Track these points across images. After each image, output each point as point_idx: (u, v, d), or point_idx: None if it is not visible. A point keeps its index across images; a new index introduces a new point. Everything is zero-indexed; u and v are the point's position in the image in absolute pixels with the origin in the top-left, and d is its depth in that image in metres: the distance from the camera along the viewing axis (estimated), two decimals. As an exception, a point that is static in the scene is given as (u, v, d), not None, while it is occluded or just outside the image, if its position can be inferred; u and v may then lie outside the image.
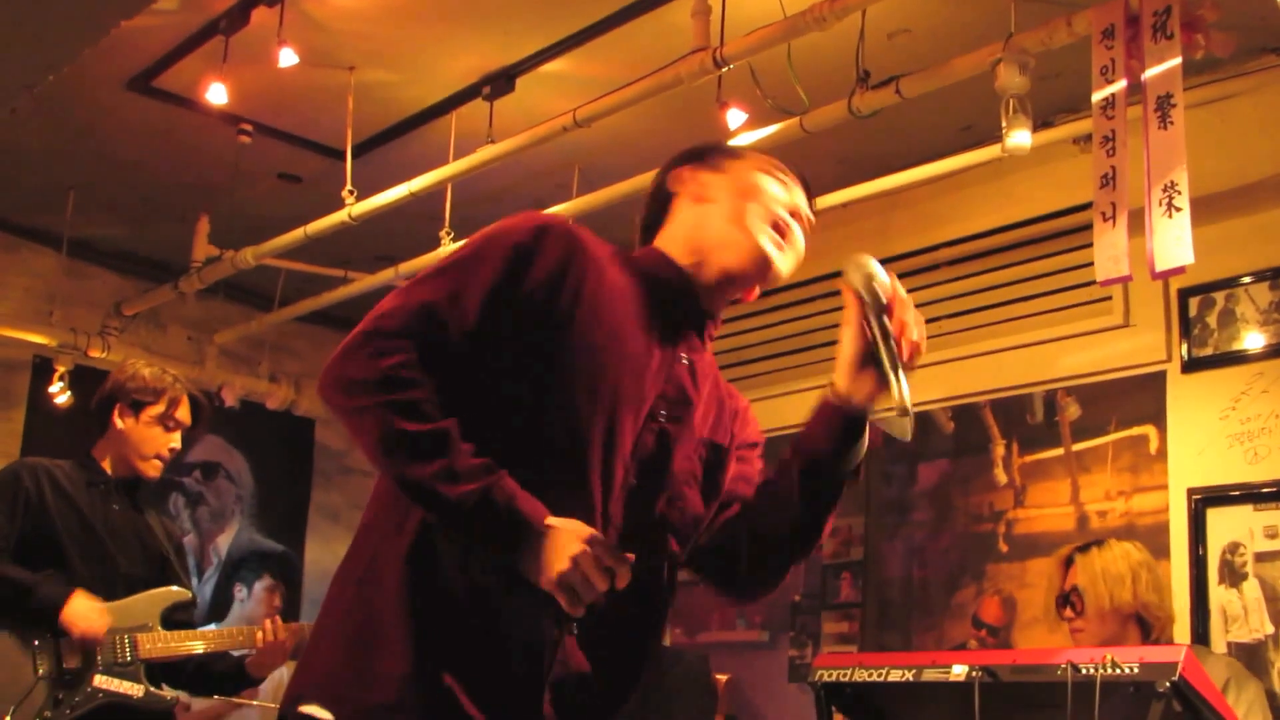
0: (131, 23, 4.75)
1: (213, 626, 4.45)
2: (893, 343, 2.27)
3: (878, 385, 2.33)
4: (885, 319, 2.29)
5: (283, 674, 7.33)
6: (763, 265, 2.44)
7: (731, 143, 2.53)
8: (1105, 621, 4.01)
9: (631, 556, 2.10)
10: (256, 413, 8.55)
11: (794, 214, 2.49)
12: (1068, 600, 4.12)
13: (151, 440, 4.29)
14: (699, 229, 2.47)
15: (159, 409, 4.29)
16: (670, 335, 2.40)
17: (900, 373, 2.27)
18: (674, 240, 2.50)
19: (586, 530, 2.11)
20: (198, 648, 4.28)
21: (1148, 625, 4.04)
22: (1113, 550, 4.12)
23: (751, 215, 2.44)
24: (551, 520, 2.10)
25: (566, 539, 2.09)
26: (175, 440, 4.34)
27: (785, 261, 2.46)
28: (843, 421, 2.38)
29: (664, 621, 2.46)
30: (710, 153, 2.58)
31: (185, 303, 7.96)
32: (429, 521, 2.16)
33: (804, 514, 2.42)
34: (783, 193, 2.49)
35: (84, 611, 4.01)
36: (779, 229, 2.45)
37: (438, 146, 6.21)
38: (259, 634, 4.31)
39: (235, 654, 4.42)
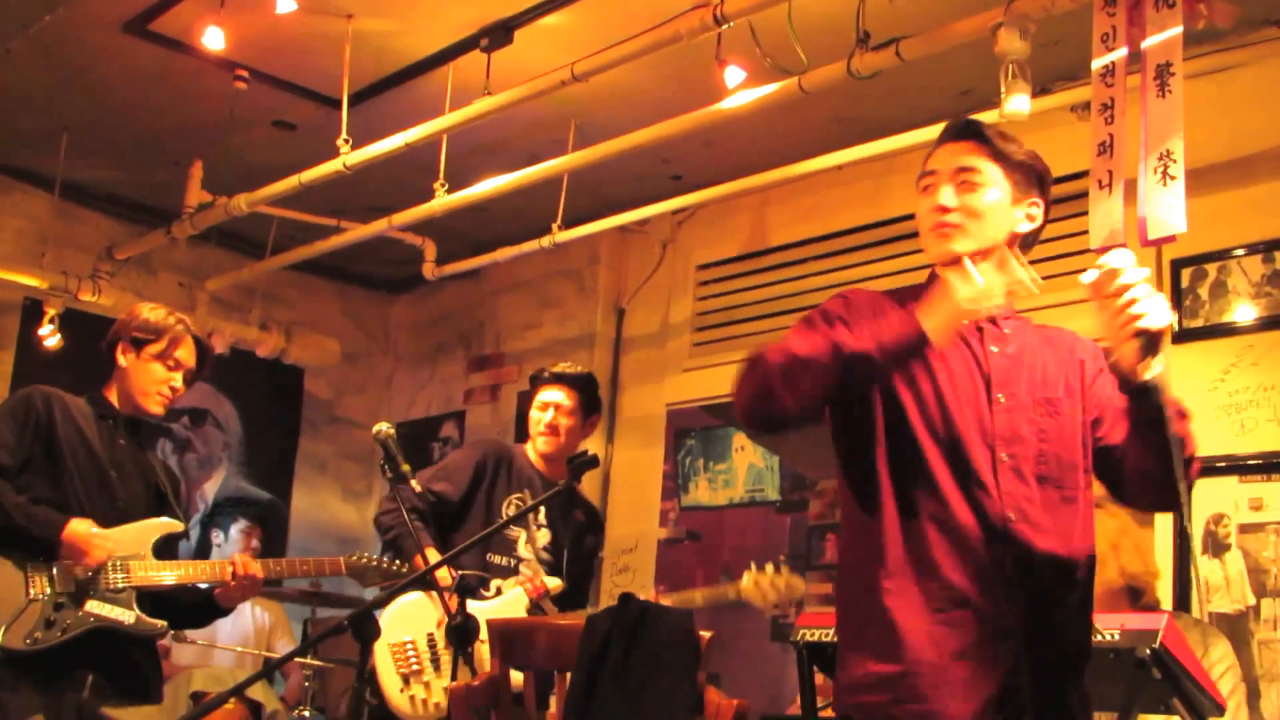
0: (129, -36, 4.72)
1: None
2: None
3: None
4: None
5: (253, 612, 7.37)
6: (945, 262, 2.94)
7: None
8: (1097, 602, 3.94)
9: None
10: (246, 360, 8.55)
11: (934, 189, 2.98)
12: None
13: (150, 376, 4.41)
14: None
15: (159, 347, 4.41)
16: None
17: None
18: None
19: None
20: (170, 579, 4.29)
21: (1137, 591, 4.00)
22: None
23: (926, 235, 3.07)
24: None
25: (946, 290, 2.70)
26: (176, 380, 4.45)
27: (950, 245, 2.97)
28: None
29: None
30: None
31: (177, 248, 7.95)
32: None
33: (1139, 440, 2.73)
34: (927, 194, 3.01)
35: (83, 534, 4.07)
36: (935, 227, 2.97)
37: (434, 98, 6.17)
38: (228, 569, 4.35)
39: (203, 586, 4.47)
